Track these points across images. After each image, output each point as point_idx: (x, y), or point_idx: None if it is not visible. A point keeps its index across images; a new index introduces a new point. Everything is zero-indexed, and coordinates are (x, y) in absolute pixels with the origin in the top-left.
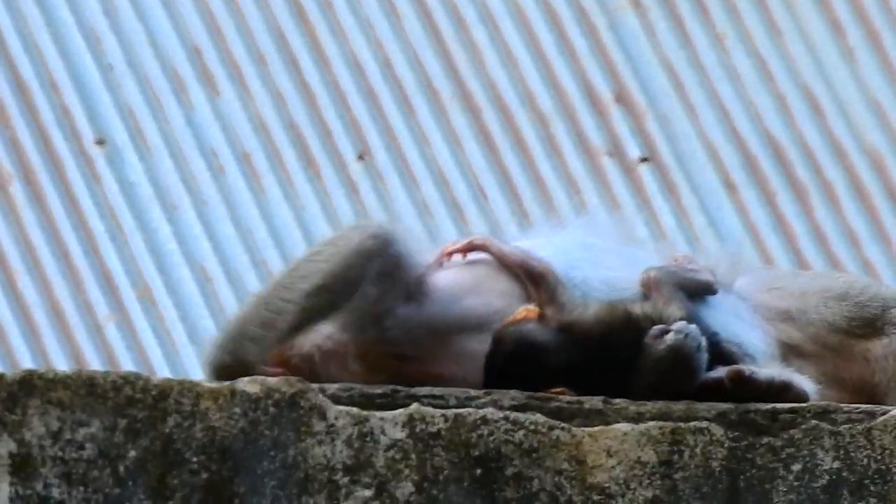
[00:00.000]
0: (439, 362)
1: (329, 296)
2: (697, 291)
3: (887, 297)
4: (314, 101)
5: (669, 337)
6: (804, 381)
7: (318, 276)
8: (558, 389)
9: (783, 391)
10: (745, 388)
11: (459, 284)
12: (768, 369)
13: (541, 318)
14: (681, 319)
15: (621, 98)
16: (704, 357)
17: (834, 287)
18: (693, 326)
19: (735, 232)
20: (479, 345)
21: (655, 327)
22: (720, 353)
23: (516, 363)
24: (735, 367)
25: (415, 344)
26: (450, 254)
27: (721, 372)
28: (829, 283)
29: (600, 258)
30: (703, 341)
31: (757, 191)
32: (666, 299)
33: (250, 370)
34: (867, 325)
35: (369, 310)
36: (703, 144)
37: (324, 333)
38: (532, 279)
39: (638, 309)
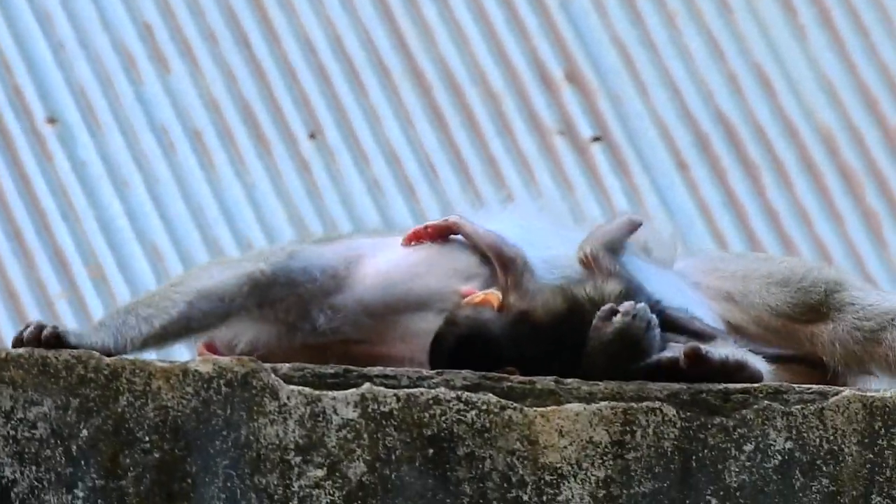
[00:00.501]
0: (385, 343)
1: (211, 303)
2: (626, 236)
3: (829, 281)
4: (265, 78)
5: (617, 319)
6: (758, 361)
7: (207, 282)
8: (509, 368)
9: (737, 371)
10: (700, 367)
11: (398, 267)
12: (722, 348)
13: (501, 306)
14: (620, 293)
15: (572, 77)
16: (655, 335)
17: (775, 272)
18: (641, 305)
19: (687, 211)
20: (424, 324)
21: (603, 308)
22: (665, 320)
23: (466, 349)
24: (692, 344)
25: (356, 328)
26: (421, 236)
27: (676, 351)
28: (770, 268)
29: (540, 239)
30: (654, 319)
31: (708, 169)
32: (605, 275)
33: (120, 349)
34: (810, 310)
35: (278, 324)
36: (655, 123)
37: (264, 333)
38: (502, 263)
39: (582, 292)
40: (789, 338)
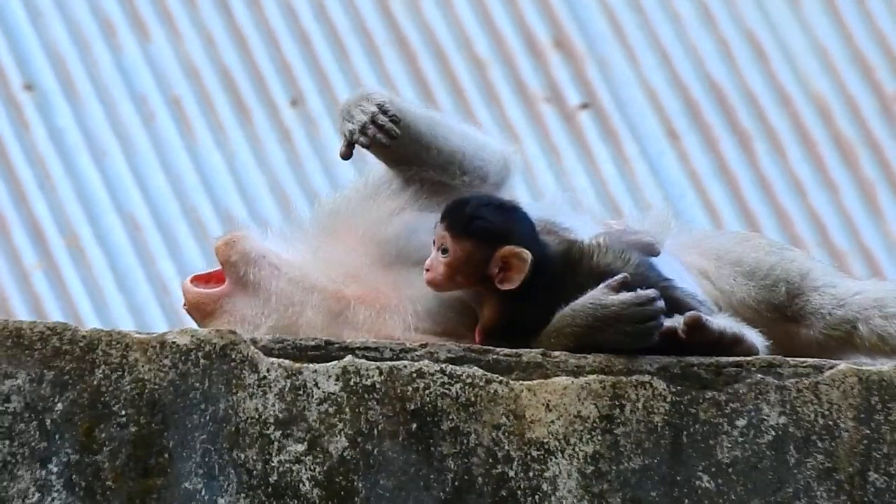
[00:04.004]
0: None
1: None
2: (642, 253)
3: (792, 282)
4: (246, 45)
5: (627, 298)
6: (754, 335)
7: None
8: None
9: (734, 343)
10: (698, 336)
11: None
12: (721, 320)
13: None
14: (635, 270)
15: (560, 43)
16: (656, 325)
17: (744, 261)
18: (658, 301)
19: (677, 180)
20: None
21: (617, 276)
22: (674, 299)
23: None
24: (693, 313)
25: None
26: None
27: (676, 320)
28: (741, 255)
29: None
30: (660, 307)
31: (699, 137)
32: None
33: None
34: (775, 309)
35: None
36: (644, 90)
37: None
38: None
39: (580, 245)
40: (762, 326)
